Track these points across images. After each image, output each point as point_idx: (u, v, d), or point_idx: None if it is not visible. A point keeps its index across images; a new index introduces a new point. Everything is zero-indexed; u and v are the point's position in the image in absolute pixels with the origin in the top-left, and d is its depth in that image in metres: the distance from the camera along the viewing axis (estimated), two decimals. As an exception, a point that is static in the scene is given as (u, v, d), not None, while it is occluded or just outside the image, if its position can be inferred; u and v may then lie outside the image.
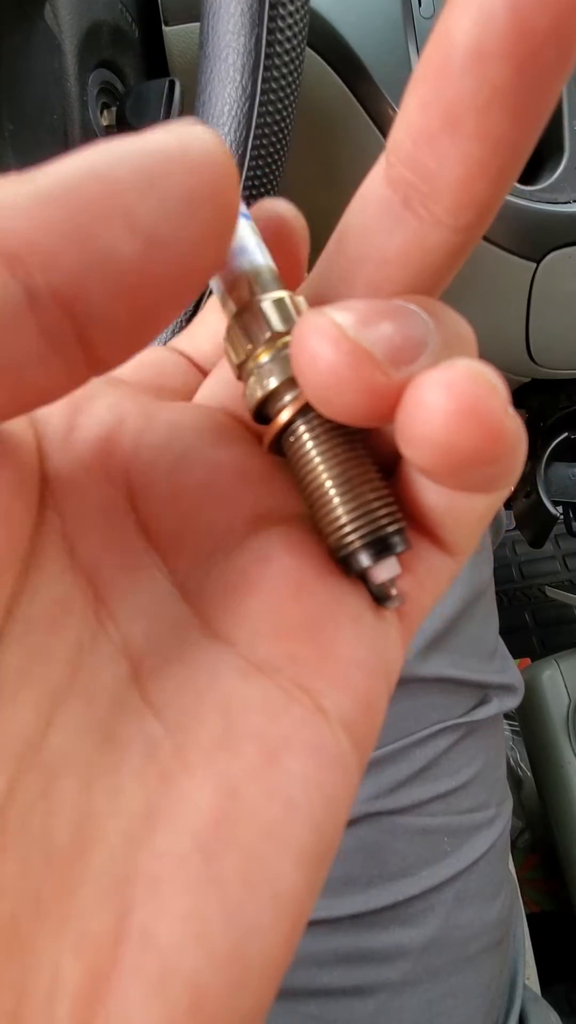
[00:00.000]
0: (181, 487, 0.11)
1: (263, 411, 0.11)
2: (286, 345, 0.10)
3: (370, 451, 0.11)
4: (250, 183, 0.22)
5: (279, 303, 0.10)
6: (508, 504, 0.74)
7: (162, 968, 0.08)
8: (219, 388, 0.13)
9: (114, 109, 0.34)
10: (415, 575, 0.11)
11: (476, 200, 0.09)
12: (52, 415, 0.11)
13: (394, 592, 0.11)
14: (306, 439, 0.11)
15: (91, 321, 0.08)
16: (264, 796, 0.09)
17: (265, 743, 0.09)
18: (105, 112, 0.34)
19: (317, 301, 0.11)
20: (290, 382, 0.10)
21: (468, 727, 0.37)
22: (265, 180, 0.23)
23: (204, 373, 0.14)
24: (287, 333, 0.10)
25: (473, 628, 0.39)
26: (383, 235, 0.10)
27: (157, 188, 0.08)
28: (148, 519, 0.11)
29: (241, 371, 0.11)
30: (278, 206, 0.11)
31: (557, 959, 0.62)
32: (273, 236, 0.11)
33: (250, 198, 0.23)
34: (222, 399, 0.12)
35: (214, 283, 0.11)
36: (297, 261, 0.12)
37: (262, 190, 0.23)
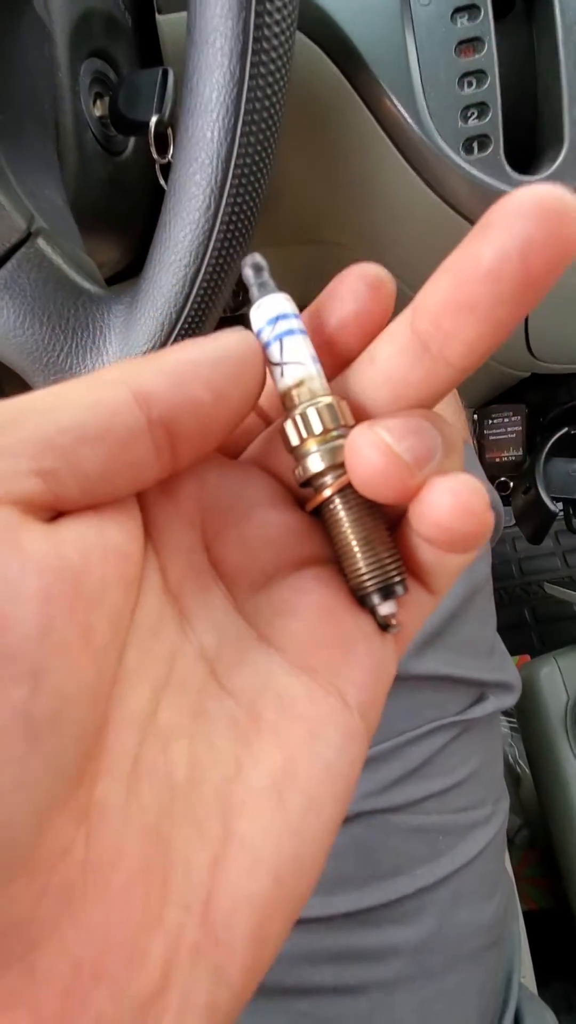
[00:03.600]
0: (244, 536, 0.15)
1: (309, 483, 0.15)
2: (333, 439, 0.14)
3: (383, 515, 0.15)
4: (239, 171, 0.22)
5: (329, 407, 0.14)
6: (507, 500, 0.73)
7: (253, 859, 0.12)
8: (267, 453, 0.17)
9: (107, 99, 0.34)
10: (408, 609, 0.15)
11: (478, 352, 0.13)
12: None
13: (394, 622, 0.15)
14: (340, 508, 0.14)
15: (180, 438, 0.13)
16: (312, 757, 0.13)
17: (311, 722, 0.13)
18: (98, 102, 0.34)
19: (352, 402, 0.15)
20: (332, 467, 0.14)
21: (464, 725, 0.37)
22: (255, 169, 0.22)
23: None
24: (334, 429, 0.14)
25: (470, 625, 0.39)
26: (406, 366, 0.14)
27: (222, 365, 0.13)
28: (217, 557, 0.15)
29: (295, 452, 0.15)
30: (374, 270, 0.14)
31: (555, 956, 0.62)
32: (369, 291, 0.14)
33: (240, 187, 0.22)
34: (269, 463, 0.16)
35: (278, 386, 0.15)
36: (384, 314, 0.15)
37: (251, 179, 0.22)
